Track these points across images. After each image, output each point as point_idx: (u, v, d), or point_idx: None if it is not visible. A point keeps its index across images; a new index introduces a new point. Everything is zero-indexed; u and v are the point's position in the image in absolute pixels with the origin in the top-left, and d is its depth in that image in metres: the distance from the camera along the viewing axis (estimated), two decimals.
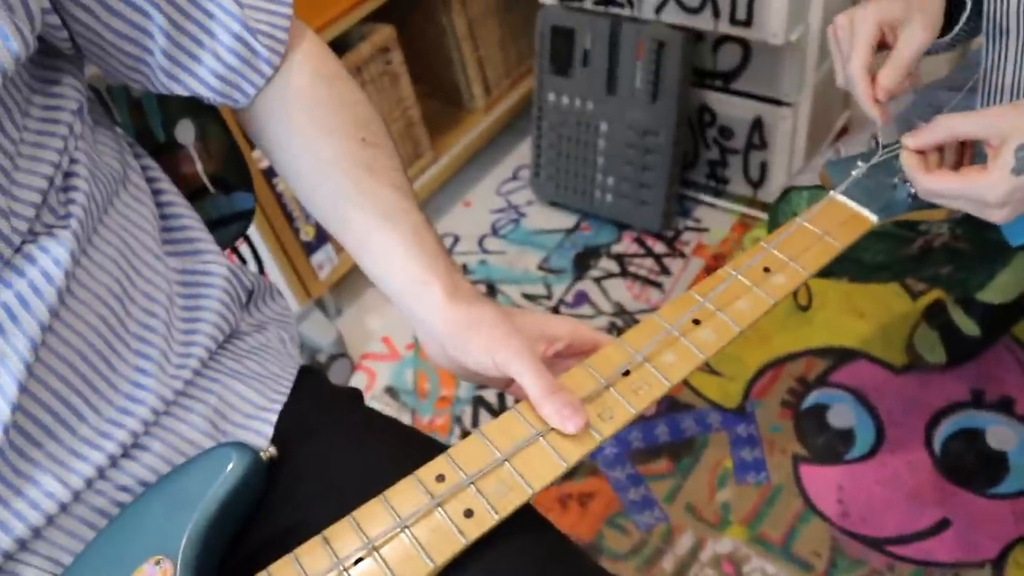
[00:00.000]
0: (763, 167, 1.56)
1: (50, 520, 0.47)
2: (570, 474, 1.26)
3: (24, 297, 0.46)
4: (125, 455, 0.50)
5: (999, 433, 1.20)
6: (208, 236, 0.60)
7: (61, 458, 0.48)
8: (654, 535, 1.17)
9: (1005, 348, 1.29)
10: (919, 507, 1.14)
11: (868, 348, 1.34)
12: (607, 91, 1.52)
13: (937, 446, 1.20)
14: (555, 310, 1.52)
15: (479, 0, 1.67)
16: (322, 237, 1.47)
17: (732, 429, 1.27)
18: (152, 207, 0.57)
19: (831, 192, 0.61)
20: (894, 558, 1.10)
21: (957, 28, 0.68)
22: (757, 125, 1.50)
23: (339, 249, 1.51)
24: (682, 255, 1.58)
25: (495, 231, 1.71)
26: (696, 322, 0.52)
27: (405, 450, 0.54)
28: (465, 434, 1.30)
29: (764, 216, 1.59)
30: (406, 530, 0.44)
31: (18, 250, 0.47)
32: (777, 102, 1.46)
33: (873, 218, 0.59)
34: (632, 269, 1.57)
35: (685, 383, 1.33)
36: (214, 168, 0.70)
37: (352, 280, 1.61)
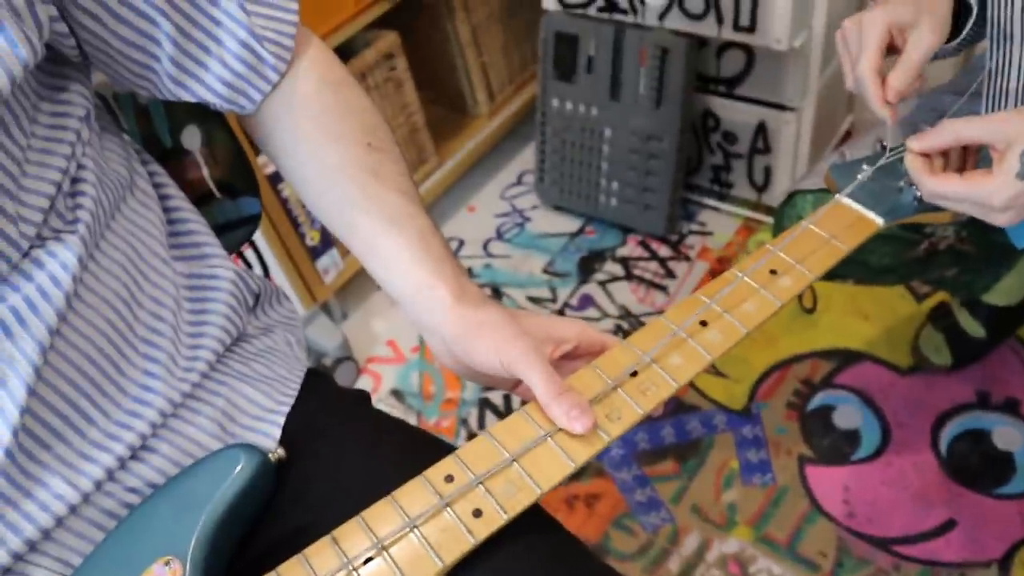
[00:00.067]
0: (767, 171, 1.56)
1: (59, 522, 0.48)
2: (577, 475, 1.26)
3: (33, 301, 0.46)
4: (133, 457, 0.50)
5: (1005, 434, 1.20)
6: (215, 241, 0.60)
7: (70, 460, 0.48)
8: (660, 536, 1.17)
9: (1010, 350, 1.29)
10: (925, 507, 1.14)
11: (873, 350, 1.34)
12: (611, 97, 1.53)
13: (943, 447, 1.20)
14: (560, 313, 1.52)
15: (483, 6, 1.68)
16: (327, 241, 1.47)
17: (738, 430, 1.27)
18: (159, 212, 0.57)
19: (837, 195, 0.61)
20: (900, 558, 1.09)
21: (964, 32, 0.69)
22: (761, 130, 1.51)
23: (344, 253, 1.52)
24: (687, 259, 1.58)
25: (500, 235, 1.71)
26: (703, 324, 0.52)
27: (413, 451, 0.54)
28: (471, 436, 1.30)
29: (768, 220, 1.59)
30: (415, 530, 0.45)
31: (26, 255, 0.47)
32: (781, 107, 1.46)
33: (879, 221, 0.59)
34: (637, 272, 1.57)
35: (691, 385, 1.34)
36: (220, 173, 0.70)
37: (357, 284, 1.61)
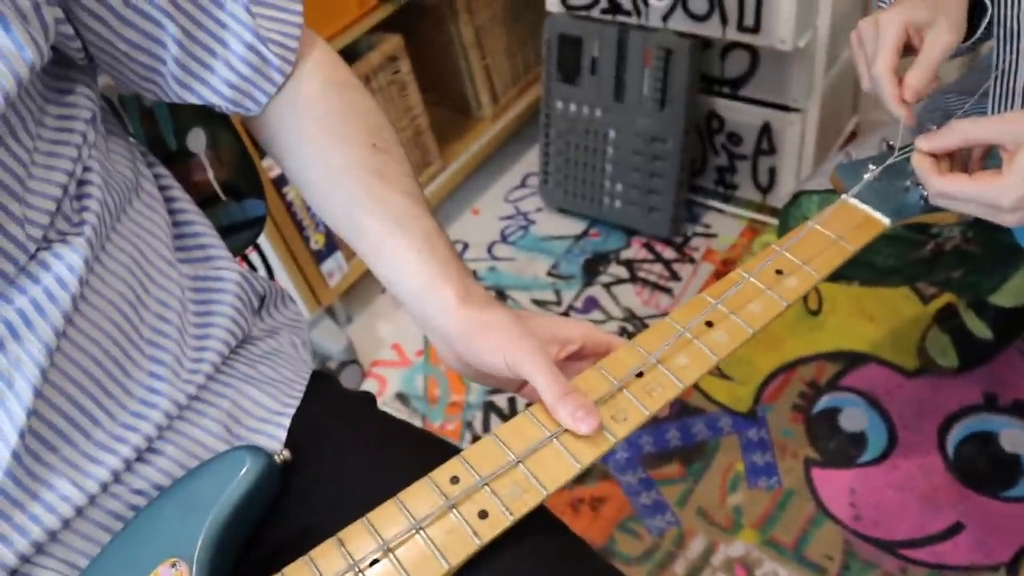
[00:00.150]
0: (772, 172, 1.55)
1: (66, 524, 0.48)
2: (581, 478, 1.26)
3: (39, 303, 0.47)
4: (139, 459, 0.50)
5: (1012, 436, 1.19)
6: (220, 243, 0.60)
7: (76, 462, 0.48)
8: (666, 539, 1.16)
9: (1018, 352, 1.29)
10: (932, 510, 1.13)
11: (879, 352, 1.34)
12: (615, 99, 1.53)
13: (950, 449, 1.19)
14: (565, 316, 1.52)
15: (486, 9, 1.68)
16: (332, 245, 1.48)
17: (743, 433, 1.27)
18: (164, 215, 0.57)
19: (843, 195, 0.61)
20: (907, 561, 1.09)
21: (980, 31, 0.68)
22: (766, 131, 1.50)
23: (349, 257, 1.52)
24: (691, 260, 1.58)
25: (504, 238, 1.71)
26: (709, 324, 0.52)
27: (419, 452, 0.54)
28: (476, 439, 1.30)
29: (773, 221, 1.59)
30: (421, 531, 0.44)
31: (33, 257, 0.47)
32: (786, 108, 1.46)
33: (885, 221, 0.59)
34: (641, 275, 1.57)
35: (696, 387, 1.33)
36: (225, 176, 0.71)
37: (362, 287, 1.61)
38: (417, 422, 1.40)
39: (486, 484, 0.46)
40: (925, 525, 1.12)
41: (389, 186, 0.55)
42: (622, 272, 1.58)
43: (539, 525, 0.47)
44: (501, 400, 1.41)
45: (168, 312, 0.54)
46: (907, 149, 0.62)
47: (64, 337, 0.48)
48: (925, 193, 0.60)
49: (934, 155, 0.58)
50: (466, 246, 1.71)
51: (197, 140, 0.69)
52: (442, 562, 0.43)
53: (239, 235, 0.72)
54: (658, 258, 1.60)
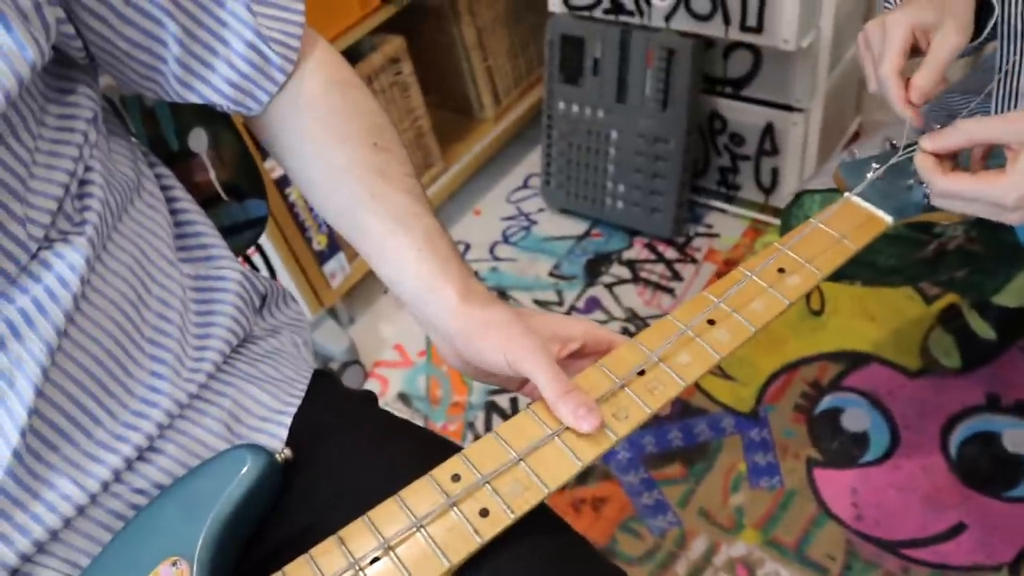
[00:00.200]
0: (775, 173, 1.55)
1: (67, 523, 0.48)
2: (583, 478, 1.26)
3: (41, 302, 0.47)
4: (140, 458, 0.50)
5: (1015, 436, 1.19)
6: (221, 242, 0.60)
7: (77, 461, 0.48)
8: (668, 539, 1.16)
9: (1021, 352, 1.28)
10: (934, 510, 1.13)
11: (882, 352, 1.34)
12: (617, 99, 1.53)
13: (952, 450, 1.19)
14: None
15: (488, 10, 1.68)
16: (334, 246, 1.48)
17: (745, 433, 1.27)
18: (166, 214, 0.57)
19: (847, 193, 0.61)
20: (909, 561, 1.09)
21: (986, 32, 0.68)
22: (768, 131, 1.50)
23: (351, 258, 1.52)
24: (693, 261, 1.57)
25: (506, 239, 1.71)
26: (711, 322, 0.52)
27: (420, 451, 0.54)
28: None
29: (776, 222, 1.59)
30: (421, 530, 0.44)
31: (35, 256, 0.47)
32: (788, 108, 1.46)
33: (888, 219, 0.59)
34: (644, 275, 1.57)
35: (698, 388, 1.33)
36: (227, 176, 0.71)
37: (364, 288, 1.61)
38: (419, 423, 1.39)
39: (487, 482, 0.46)
40: (927, 525, 1.12)
41: (391, 185, 0.55)
42: (624, 272, 1.58)
43: (541, 524, 0.47)
44: (503, 400, 1.40)
45: (169, 311, 0.54)
46: (911, 148, 0.62)
47: (65, 336, 0.48)
48: (928, 192, 0.60)
49: (937, 155, 0.58)
50: (468, 247, 1.71)
51: (199, 140, 0.69)
52: (443, 560, 0.43)
53: (241, 235, 0.72)
54: (660, 258, 1.59)
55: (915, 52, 0.65)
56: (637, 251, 1.62)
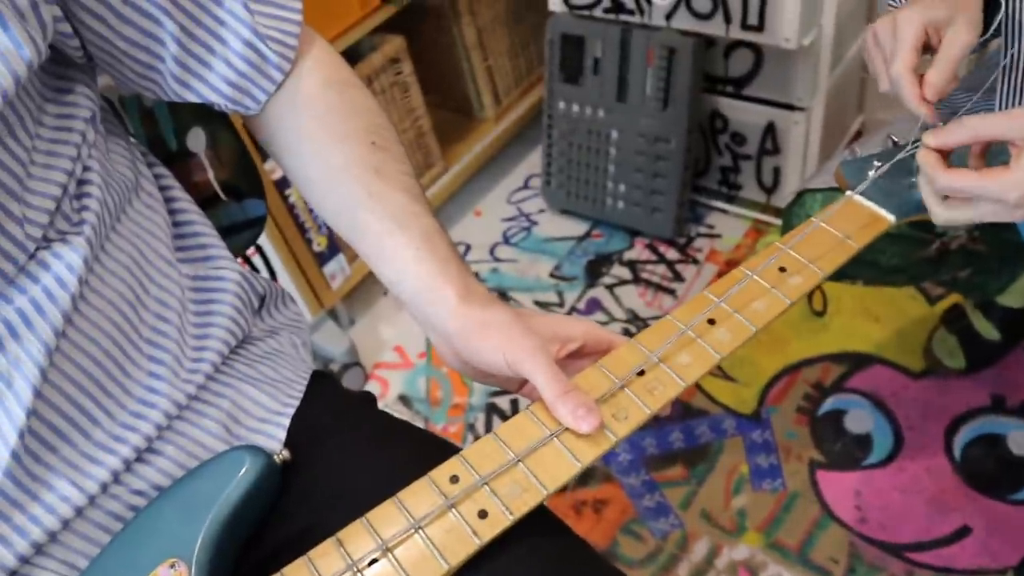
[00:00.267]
0: (776, 172, 1.55)
1: (66, 524, 0.47)
2: (584, 481, 1.26)
3: (39, 303, 0.46)
4: (139, 459, 0.50)
5: (1021, 438, 1.18)
6: (220, 242, 0.60)
7: (76, 463, 0.48)
8: (669, 542, 1.16)
9: None
10: (939, 513, 1.12)
11: (885, 353, 1.33)
12: (618, 99, 1.52)
13: (957, 452, 1.18)
14: None
15: (488, 10, 1.68)
16: (334, 247, 1.47)
17: (747, 435, 1.26)
18: (164, 214, 0.57)
19: (849, 192, 0.60)
20: (913, 565, 1.08)
21: (993, 28, 0.68)
22: (770, 130, 1.50)
23: (351, 259, 1.52)
24: (695, 261, 1.57)
25: (506, 239, 1.71)
26: (711, 322, 0.52)
27: (418, 452, 0.53)
28: None
29: (777, 222, 1.58)
30: (420, 531, 0.44)
31: (32, 256, 0.47)
32: (790, 107, 1.45)
33: (890, 218, 0.59)
34: (645, 276, 1.57)
35: (700, 389, 1.33)
36: (225, 176, 0.70)
37: (364, 290, 1.61)
38: (420, 424, 1.39)
39: (485, 483, 0.45)
40: (932, 528, 1.11)
41: (388, 184, 0.55)
42: (625, 273, 1.58)
43: (540, 526, 0.47)
44: (504, 402, 1.40)
45: (168, 312, 0.53)
46: (914, 145, 0.62)
47: (64, 337, 0.47)
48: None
49: (941, 151, 0.58)
50: (468, 248, 1.70)
51: (197, 140, 0.69)
52: (441, 562, 0.43)
53: (239, 235, 0.71)
54: (661, 259, 1.59)
55: (925, 50, 0.65)
56: (638, 252, 1.62)
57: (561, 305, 1.54)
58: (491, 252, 1.68)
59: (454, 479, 0.46)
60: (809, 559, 1.11)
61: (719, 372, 1.34)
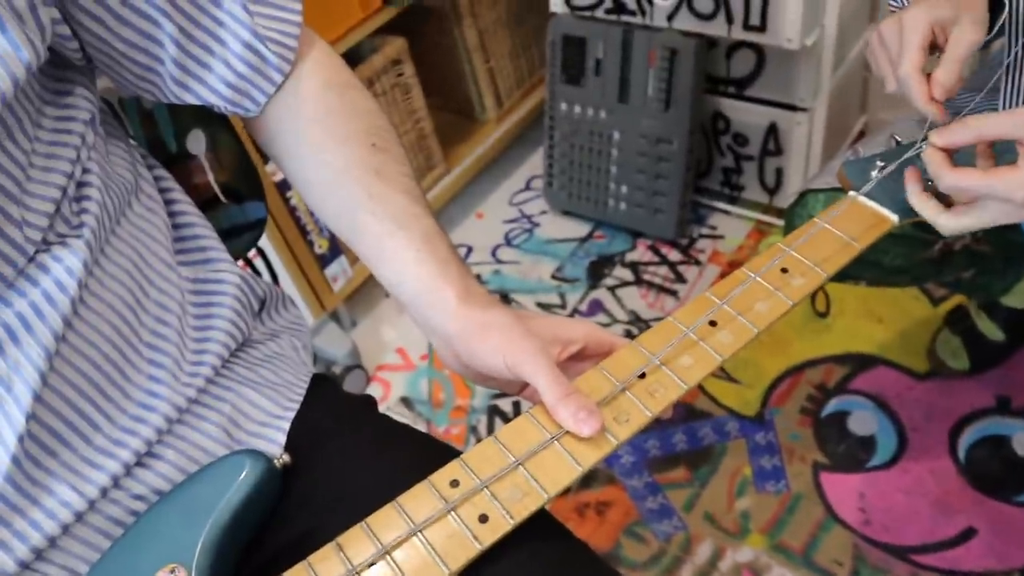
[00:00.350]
0: (779, 173, 1.55)
1: (65, 529, 0.47)
2: (587, 483, 1.25)
3: (38, 307, 0.46)
4: (139, 464, 0.50)
5: None
6: (220, 245, 0.60)
7: (76, 467, 0.48)
8: (673, 544, 1.15)
9: None
10: (944, 515, 1.12)
11: (888, 354, 1.33)
12: (619, 100, 1.52)
13: (962, 453, 1.18)
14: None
15: (490, 11, 1.68)
16: (336, 249, 1.47)
17: (750, 437, 1.26)
18: (164, 217, 0.57)
19: (852, 192, 0.60)
20: (918, 567, 1.08)
21: (997, 27, 0.68)
22: (772, 131, 1.50)
23: (353, 261, 1.51)
24: (697, 263, 1.57)
25: (508, 241, 1.71)
26: (713, 324, 0.51)
27: (419, 456, 0.53)
28: None
29: (780, 223, 1.58)
30: (420, 536, 0.44)
31: (31, 260, 0.47)
32: (792, 107, 1.45)
33: (894, 218, 0.58)
34: (647, 277, 1.56)
35: (703, 391, 1.32)
36: (226, 178, 0.70)
37: (366, 292, 1.61)
38: (421, 427, 1.39)
39: (486, 487, 0.45)
40: (936, 530, 1.11)
41: (388, 185, 0.55)
42: (627, 275, 1.58)
43: (541, 530, 0.46)
44: (506, 404, 1.40)
45: (168, 315, 0.53)
46: (919, 146, 0.61)
47: (63, 341, 0.47)
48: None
49: (946, 150, 0.58)
50: (470, 250, 1.70)
51: (197, 142, 0.68)
52: (442, 567, 0.42)
53: (240, 238, 0.71)
54: (663, 260, 1.59)
55: (931, 49, 0.65)
56: (640, 253, 1.61)
57: (563, 307, 1.54)
58: (493, 254, 1.68)
59: (454, 483, 0.45)
60: (813, 561, 1.10)
61: (722, 374, 1.33)
